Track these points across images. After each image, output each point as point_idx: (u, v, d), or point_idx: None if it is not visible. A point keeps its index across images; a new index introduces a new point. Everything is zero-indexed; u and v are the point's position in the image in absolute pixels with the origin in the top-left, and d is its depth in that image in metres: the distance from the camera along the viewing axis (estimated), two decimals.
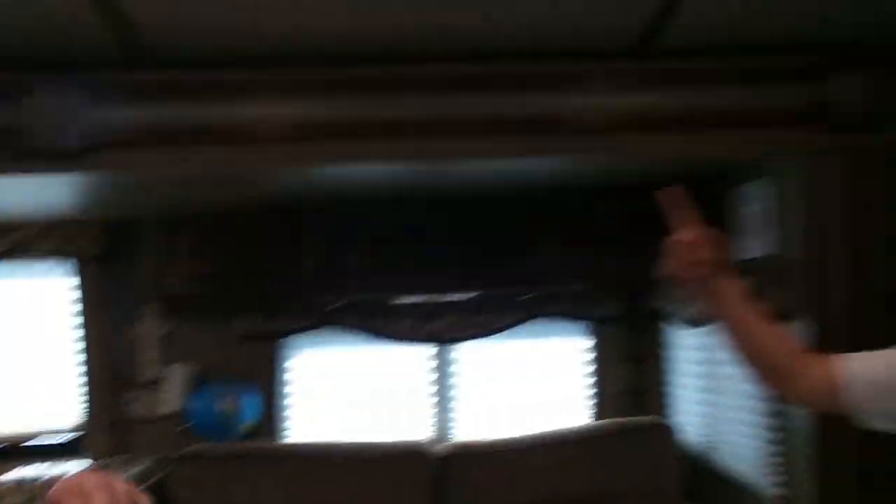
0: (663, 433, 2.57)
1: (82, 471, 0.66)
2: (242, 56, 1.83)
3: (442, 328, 2.60)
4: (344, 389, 2.74)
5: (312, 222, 2.46)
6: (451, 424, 2.75)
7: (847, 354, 1.12)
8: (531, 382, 2.82)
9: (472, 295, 2.60)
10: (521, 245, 2.50)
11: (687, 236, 1.14)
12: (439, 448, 2.46)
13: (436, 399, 2.77)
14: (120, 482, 0.65)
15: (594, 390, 2.84)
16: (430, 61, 1.96)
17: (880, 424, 1.06)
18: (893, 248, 2.16)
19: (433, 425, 2.75)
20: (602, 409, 2.81)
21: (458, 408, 2.77)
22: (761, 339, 1.17)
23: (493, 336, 2.63)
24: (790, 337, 1.19)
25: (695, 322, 2.53)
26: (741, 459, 2.30)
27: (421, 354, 2.75)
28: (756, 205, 2.28)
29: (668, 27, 1.98)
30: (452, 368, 2.78)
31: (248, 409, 2.56)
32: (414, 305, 2.58)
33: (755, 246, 2.27)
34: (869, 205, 2.11)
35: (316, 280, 2.44)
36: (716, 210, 2.46)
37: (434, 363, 2.77)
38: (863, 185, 2.11)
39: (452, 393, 2.77)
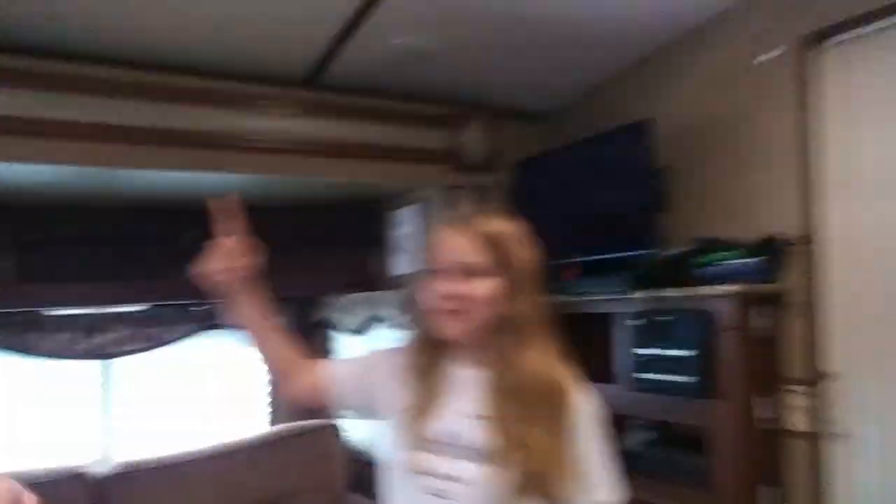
0: (331, 433, 2.78)
1: None
2: None
3: (107, 342, 2.49)
4: None
5: None
6: (117, 443, 2.61)
7: (331, 360, 1.39)
8: (204, 394, 2.82)
9: (141, 306, 2.54)
10: (194, 256, 2.53)
11: (227, 242, 1.21)
12: (101, 469, 2.32)
13: (101, 417, 2.61)
14: (28, 495, 0.62)
15: (268, 398, 2.96)
16: (106, 63, 1.95)
17: (353, 415, 1.33)
18: None
19: (98, 445, 2.59)
20: (276, 415, 2.93)
21: (126, 425, 2.64)
22: (274, 344, 1.31)
23: (163, 349, 2.60)
24: (293, 344, 1.34)
25: (355, 330, 2.83)
26: None
27: (83, 371, 2.57)
28: (407, 227, 2.67)
29: (332, 67, 2.28)
30: (118, 384, 2.65)
31: None
32: (73, 318, 2.42)
33: (406, 262, 2.66)
34: None
35: None
36: (377, 230, 2.82)
37: (99, 379, 2.60)
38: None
39: (118, 410, 2.64)
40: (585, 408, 1.15)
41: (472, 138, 2.61)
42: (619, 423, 2.45)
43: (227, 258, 1.20)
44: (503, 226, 1.17)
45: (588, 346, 2.63)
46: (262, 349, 1.32)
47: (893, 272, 1.88)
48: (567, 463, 1.09)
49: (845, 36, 2.01)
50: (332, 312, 2.88)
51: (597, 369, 2.44)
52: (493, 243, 1.13)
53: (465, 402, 1.15)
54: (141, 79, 2.00)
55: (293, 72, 2.32)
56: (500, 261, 1.13)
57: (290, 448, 2.64)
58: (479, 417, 1.12)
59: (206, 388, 2.83)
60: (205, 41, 2.05)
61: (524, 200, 2.83)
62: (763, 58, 2.16)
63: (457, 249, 1.14)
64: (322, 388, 1.31)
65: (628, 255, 2.30)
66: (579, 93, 2.89)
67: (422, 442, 1.15)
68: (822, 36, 2.04)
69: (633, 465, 2.27)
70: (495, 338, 1.14)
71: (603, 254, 2.40)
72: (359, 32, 2.11)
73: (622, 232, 2.33)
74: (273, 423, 2.91)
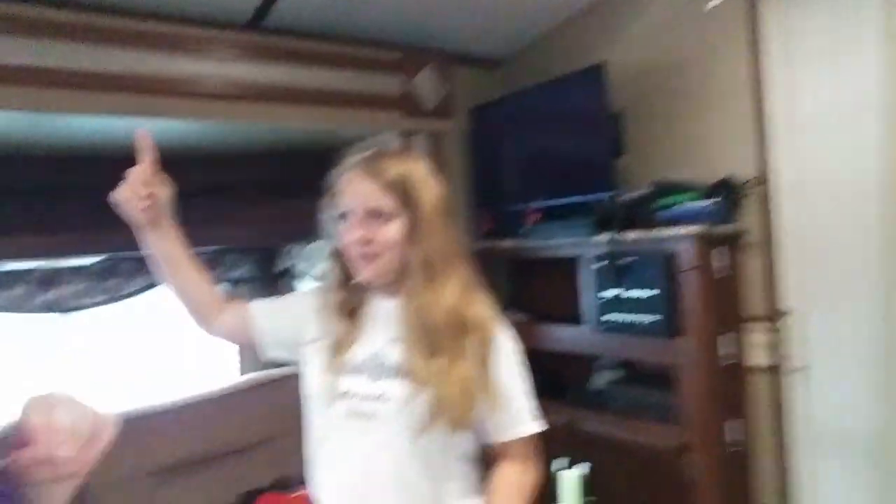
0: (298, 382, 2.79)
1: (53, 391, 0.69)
2: None
3: (63, 296, 2.42)
4: None
5: None
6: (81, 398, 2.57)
7: (256, 300, 1.42)
8: (171, 346, 2.76)
9: (97, 259, 2.45)
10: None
11: (141, 171, 1.20)
12: None
13: (61, 372, 2.55)
14: (87, 404, 0.70)
15: (236, 347, 2.93)
16: (41, 3, 1.82)
17: (275, 353, 1.36)
18: (469, 208, 2.87)
19: None
20: (245, 365, 2.93)
21: (88, 380, 2.57)
22: (191, 278, 1.33)
23: (121, 301, 2.53)
24: (212, 281, 1.39)
25: (320, 278, 2.81)
26: None
27: (39, 325, 2.49)
28: None
29: (278, 9, 2.17)
30: (78, 338, 2.58)
31: None
32: (27, 271, 2.31)
33: None
34: (449, 173, 2.68)
35: None
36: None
37: (56, 334, 2.53)
38: (443, 158, 2.64)
39: (79, 365, 2.57)
40: (503, 342, 1.22)
41: (426, 84, 2.57)
42: (587, 364, 2.56)
43: (135, 187, 1.19)
44: (408, 167, 1.20)
45: (554, 289, 2.72)
46: (176, 284, 1.33)
47: (840, 210, 1.98)
48: (482, 393, 1.16)
49: None
50: (295, 261, 2.86)
51: (564, 312, 2.53)
52: (398, 185, 1.16)
53: (383, 329, 1.22)
54: (80, 20, 1.87)
55: (237, 14, 2.21)
56: (406, 202, 1.16)
57: (263, 395, 2.64)
58: (396, 340, 1.19)
59: (170, 340, 2.78)
60: None
61: (480, 147, 2.83)
62: (711, 4, 2.18)
63: (363, 194, 1.17)
64: (245, 324, 1.35)
65: (588, 199, 2.34)
66: (532, 38, 2.86)
67: (343, 367, 1.21)
68: None
69: (602, 403, 2.39)
70: (408, 276, 1.18)
71: (563, 198, 2.43)
72: None
73: (581, 176, 2.36)
74: (242, 371, 2.90)
